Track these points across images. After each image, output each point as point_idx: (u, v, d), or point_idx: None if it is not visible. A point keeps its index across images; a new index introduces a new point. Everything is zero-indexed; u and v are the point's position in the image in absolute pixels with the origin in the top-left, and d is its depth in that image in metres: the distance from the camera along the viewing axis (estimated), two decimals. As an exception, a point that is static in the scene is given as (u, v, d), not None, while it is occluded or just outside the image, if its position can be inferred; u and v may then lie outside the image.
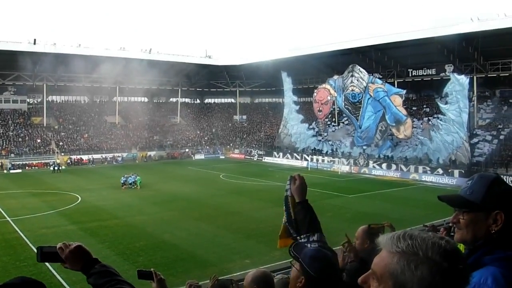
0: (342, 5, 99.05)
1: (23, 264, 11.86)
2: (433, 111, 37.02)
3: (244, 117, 57.08)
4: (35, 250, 1.45)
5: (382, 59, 40.50)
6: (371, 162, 35.29)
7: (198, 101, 59.88)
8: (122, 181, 26.36)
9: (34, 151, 40.39)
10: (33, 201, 21.91)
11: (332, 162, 38.15)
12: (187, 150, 47.89)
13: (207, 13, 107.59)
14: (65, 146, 42.68)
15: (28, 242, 14.26)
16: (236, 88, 56.98)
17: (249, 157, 46.25)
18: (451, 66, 35.66)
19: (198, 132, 52.61)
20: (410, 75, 39.89)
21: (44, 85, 45.20)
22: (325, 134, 42.67)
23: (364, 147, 37.26)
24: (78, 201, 21.91)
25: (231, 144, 51.28)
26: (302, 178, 1.93)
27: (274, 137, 47.95)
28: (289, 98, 45.45)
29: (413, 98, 42.85)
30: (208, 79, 54.86)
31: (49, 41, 40.71)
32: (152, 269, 1.85)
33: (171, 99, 55.72)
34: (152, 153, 45.44)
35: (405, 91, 35.31)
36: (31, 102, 47.43)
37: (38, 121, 45.02)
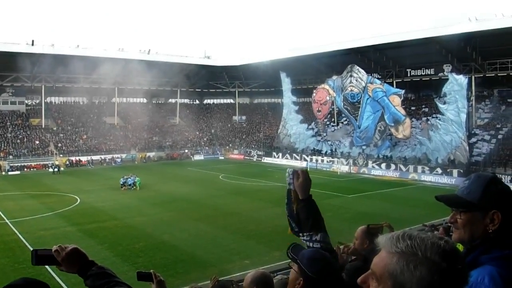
0: (341, 5, 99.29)
1: (21, 266, 11.83)
2: (432, 111, 37.09)
3: (244, 117, 57.10)
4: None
5: (380, 59, 40.57)
6: (370, 162, 35.34)
7: (197, 101, 59.86)
8: (121, 182, 26.32)
9: (33, 152, 40.30)
10: (31, 203, 21.85)
11: (331, 162, 38.18)
12: (186, 150, 47.86)
13: (206, 14, 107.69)
14: (63, 147, 42.60)
15: (27, 244, 14.23)
16: (235, 89, 57.00)
17: (248, 158, 46.26)
18: (449, 66, 35.74)
19: (197, 132, 52.58)
20: (408, 75, 39.96)
21: (43, 86, 45.11)
22: (324, 134, 42.71)
23: (363, 147, 37.31)
24: (77, 203, 21.86)
25: (230, 145, 51.27)
26: (306, 174, 1.82)
27: (273, 137, 47.97)
28: (288, 99, 45.48)
29: (412, 98, 42.93)
30: (207, 79, 54.85)
31: (47, 42, 40.68)
32: (151, 271, 1.84)
33: (170, 100, 55.68)
34: (151, 154, 45.38)
35: (403, 91, 35.39)
36: (29, 103, 47.32)
37: (36, 122, 44.92)
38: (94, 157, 41.80)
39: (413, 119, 36.35)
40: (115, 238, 15.17)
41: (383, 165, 34.37)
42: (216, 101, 60.97)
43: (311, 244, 1.73)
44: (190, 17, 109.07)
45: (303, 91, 47.31)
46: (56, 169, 35.56)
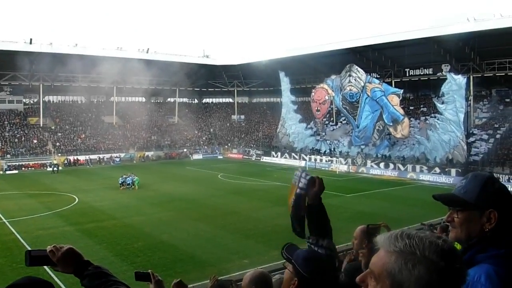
0: (339, 5, 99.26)
1: (19, 266, 11.78)
2: (430, 110, 37.18)
3: (242, 117, 57.06)
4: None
5: (379, 58, 40.62)
6: (369, 161, 35.40)
7: (196, 101, 59.77)
8: (120, 182, 26.27)
9: (31, 151, 40.17)
10: (29, 202, 21.78)
11: (330, 162, 38.22)
12: (185, 150, 47.80)
13: (205, 13, 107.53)
14: (62, 146, 42.47)
15: (25, 244, 14.18)
16: (234, 88, 56.95)
17: (247, 157, 46.24)
18: (447, 66, 35.84)
19: (196, 132, 52.52)
20: (407, 75, 40.03)
21: (41, 85, 44.93)
22: (323, 133, 42.75)
23: (362, 147, 37.37)
24: (75, 202, 21.81)
25: (229, 144, 51.25)
26: (321, 182, 1.76)
27: (272, 136, 47.98)
28: (287, 98, 45.49)
29: (410, 97, 43.01)
30: (206, 78, 54.77)
31: (45, 41, 40.50)
32: (149, 271, 1.84)
33: (169, 99, 55.59)
34: (150, 153, 45.31)
35: (402, 90, 35.45)
36: (27, 102, 47.13)
37: (34, 121, 44.75)
38: (93, 156, 41.70)
39: (411, 119, 36.43)
40: (114, 238, 15.14)
41: (382, 165, 34.43)
42: (215, 100, 60.91)
43: (316, 249, 1.71)
44: (189, 16, 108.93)
45: (302, 91, 47.31)
46: (55, 168, 35.50)
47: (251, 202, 21.75)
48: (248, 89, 57.43)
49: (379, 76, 39.96)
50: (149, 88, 51.49)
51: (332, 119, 44.01)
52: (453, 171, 29.65)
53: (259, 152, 45.69)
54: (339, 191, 24.90)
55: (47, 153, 40.42)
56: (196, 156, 46.70)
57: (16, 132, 42.48)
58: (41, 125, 44.49)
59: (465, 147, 30.39)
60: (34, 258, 1.36)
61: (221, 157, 48.01)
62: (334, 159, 38.04)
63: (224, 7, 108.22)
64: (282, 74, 44.75)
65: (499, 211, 1.20)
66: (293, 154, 41.81)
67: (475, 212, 1.22)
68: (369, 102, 36.47)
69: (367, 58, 40.67)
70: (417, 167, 32.14)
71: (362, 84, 36.69)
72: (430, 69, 38.15)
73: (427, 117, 36.85)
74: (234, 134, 53.46)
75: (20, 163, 38.02)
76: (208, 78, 54.78)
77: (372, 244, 0.99)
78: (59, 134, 44.58)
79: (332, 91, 39.72)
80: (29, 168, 37.80)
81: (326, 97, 40.77)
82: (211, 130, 54.21)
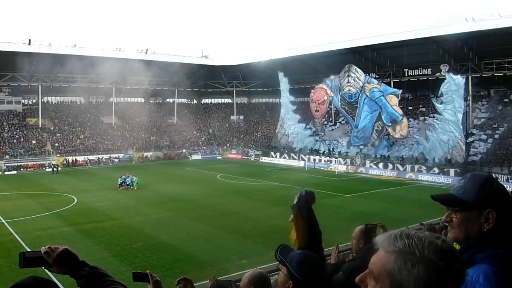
0: (338, 5, 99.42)
1: (18, 266, 11.76)
2: (429, 110, 37.25)
3: (241, 117, 57.06)
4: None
5: (378, 59, 40.69)
6: (367, 161, 35.44)
7: (195, 101, 59.75)
8: (119, 182, 26.25)
9: (29, 152, 40.08)
10: (28, 203, 21.73)
11: (329, 162, 38.25)
12: (184, 150, 47.76)
13: (204, 13, 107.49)
14: (60, 147, 42.39)
15: (24, 245, 14.15)
16: (233, 88, 56.94)
17: (246, 157, 46.24)
18: (446, 66, 35.92)
19: (195, 132, 52.49)
20: (406, 75, 40.10)
21: (39, 85, 44.86)
22: (322, 134, 42.78)
23: (361, 147, 37.41)
24: (74, 203, 21.77)
25: (228, 145, 51.24)
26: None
27: (271, 137, 47.99)
28: (286, 98, 45.51)
29: (409, 97, 43.09)
30: (205, 79, 54.76)
31: (44, 41, 40.43)
32: (147, 271, 1.83)
33: (168, 100, 55.55)
34: (148, 154, 45.26)
35: (401, 91, 35.50)
36: (26, 103, 47.02)
37: (33, 122, 44.67)
38: (91, 157, 41.64)
39: (410, 119, 36.49)
40: (113, 238, 15.11)
41: (381, 165, 34.47)
42: (214, 100, 60.90)
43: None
44: (188, 16, 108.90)
45: (301, 91, 47.34)
46: (55, 169, 35.46)
47: (250, 203, 21.75)
48: (247, 89, 57.44)
49: (378, 76, 40.02)
50: (148, 89, 51.45)
51: (331, 119, 44.05)
52: (451, 171, 29.70)
53: (258, 153, 45.69)
54: (338, 191, 24.92)
55: (45, 154, 40.35)
56: (195, 157, 46.67)
57: (15, 132, 42.38)
58: (40, 126, 44.40)
59: (463, 147, 30.45)
60: (28, 259, 1.35)
61: (220, 157, 47.99)
62: (333, 159, 38.08)
63: (223, 8, 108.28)
64: (281, 75, 44.78)
65: (497, 211, 1.20)
66: (292, 154, 41.82)
67: (474, 212, 1.22)
68: (368, 102, 36.51)
69: (366, 58, 40.73)
70: (416, 167, 32.19)
71: (361, 84, 36.74)
72: (428, 69, 38.24)
73: (425, 117, 36.92)
74: (233, 135, 53.45)
75: (19, 163, 37.95)
76: (207, 78, 54.77)
77: (371, 244, 0.99)
78: (58, 134, 44.50)
79: (331, 91, 39.75)
80: (28, 169, 37.73)
81: (325, 97, 40.80)
82: (210, 130, 54.19)
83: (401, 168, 33.15)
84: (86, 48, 42.25)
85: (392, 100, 34.79)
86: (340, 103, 39.05)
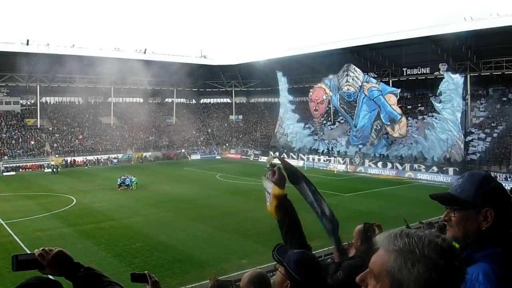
0: (337, 4, 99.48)
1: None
2: (428, 109, 37.31)
3: (240, 117, 57.04)
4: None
5: (376, 58, 40.72)
6: (366, 161, 35.49)
7: (193, 101, 59.69)
8: (119, 182, 26.22)
9: (28, 153, 39.98)
10: (27, 204, 21.69)
11: (328, 161, 38.29)
12: (183, 150, 47.72)
13: (202, 13, 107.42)
14: (59, 147, 42.31)
15: (23, 246, 14.13)
16: (231, 88, 56.92)
17: (245, 157, 46.24)
18: (445, 65, 35.97)
19: (194, 132, 52.45)
20: (404, 74, 40.14)
21: (38, 86, 44.73)
22: (321, 133, 42.80)
23: (360, 146, 37.45)
24: (73, 203, 21.73)
25: (227, 144, 51.22)
26: (279, 171, 1.73)
27: (270, 136, 47.99)
28: (284, 98, 45.51)
29: (408, 97, 43.14)
30: (203, 79, 54.72)
31: (42, 42, 40.30)
32: (146, 272, 1.83)
33: (166, 100, 55.48)
34: (147, 154, 45.20)
35: (399, 90, 35.55)
36: (24, 103, 46.89)
37: (31, 122, 44.55)
38: (90, 157, 41.56)
39: (409, 118, 36.54)
40: (112, 239, 15.10)
41: (380, 164, 34.52)
42: (212, 100, 60.85)
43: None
44: (187, 16, 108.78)
45: (299, 90, 47.35)
46: (55, 169, 35.40)
47: (249, 202, 21.72)
48: (246, 89, 57.42)
49: (376, 76, 40.05)
50: (146, 89, 51.38)
51: (330, 118, 44.07)
52: (450, 170, 29.76)
53: (257, 152, 45.69)
54: (337, 191, 24.95)
55: (44, 155, 40.25)
56: (194, 157, 46.64)
57: (13, 133, 42.27)
58: (39, 126, 44.29)
59: (462, 146, 30.52)
60: (21, 262, 1.33)
61: (219, 157, 47.97)
62: (332, 158, 38.11)
63: (221, 7, 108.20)
64: (279, 74, 44.77)
65: (495, 210, 1.20)
66: (291, 154, 41.83)
67: (472, 211, 1.22)
68: (366, 102, 36.54)
69: (365, 58, 40.76)
70: (415, 166, 32.25)
71: (360, 84, 36.78)
72: (427, 68, 38.28)
73: (424, 116, 36.96)
74: (232, 134, 53.43)
75: (18, 164, 37.85)
76: (206, 78, 54.73)
77: (369, 243, 1.00)
78: (57, 135, 44.40)
79: (330, 90, 39.78)
80: (27, 170, 37.62)
81: (324, 97, 40.82)
82: (209, 130, 54.16)
83: (400, 167, 33.20)
84: (85, 48, 42.18)
85: (391, 99, 34.84)
86: (339, 103, 39.07)
